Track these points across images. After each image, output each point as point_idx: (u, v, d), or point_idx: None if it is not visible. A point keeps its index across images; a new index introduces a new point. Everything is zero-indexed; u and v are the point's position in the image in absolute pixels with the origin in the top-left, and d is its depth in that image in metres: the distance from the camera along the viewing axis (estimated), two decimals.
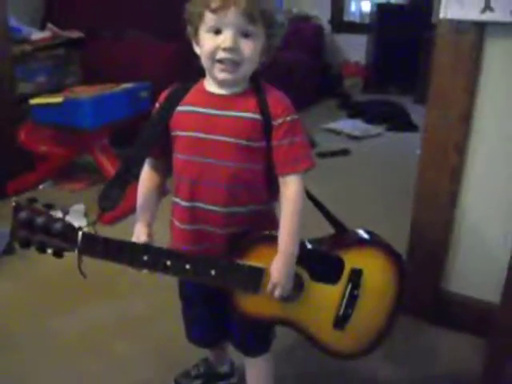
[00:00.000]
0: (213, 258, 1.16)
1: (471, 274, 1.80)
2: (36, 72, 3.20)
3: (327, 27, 5.76)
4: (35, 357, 1.70)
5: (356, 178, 3.30)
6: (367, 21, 5.76)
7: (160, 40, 3.33)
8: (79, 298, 2.00)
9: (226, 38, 1.07)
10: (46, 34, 3.28)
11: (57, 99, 2.57)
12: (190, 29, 1.15)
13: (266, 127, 1.14)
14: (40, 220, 1.09)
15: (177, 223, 1.23)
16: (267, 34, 1.12)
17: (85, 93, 2.68)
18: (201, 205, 1.17)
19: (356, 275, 1.24)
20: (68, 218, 1.13)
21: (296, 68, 4.70)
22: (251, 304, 1.21)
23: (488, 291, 1.72)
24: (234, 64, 1.09)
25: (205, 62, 1.13)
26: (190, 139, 1.16)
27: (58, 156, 2.99)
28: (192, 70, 1.20)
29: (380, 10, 5.50)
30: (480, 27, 1.55)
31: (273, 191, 1.21)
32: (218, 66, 1.10)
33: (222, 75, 1.11)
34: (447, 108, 1.65)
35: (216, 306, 1.31)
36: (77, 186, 3.03)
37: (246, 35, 1.08)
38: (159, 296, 1.94)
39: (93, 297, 2.01)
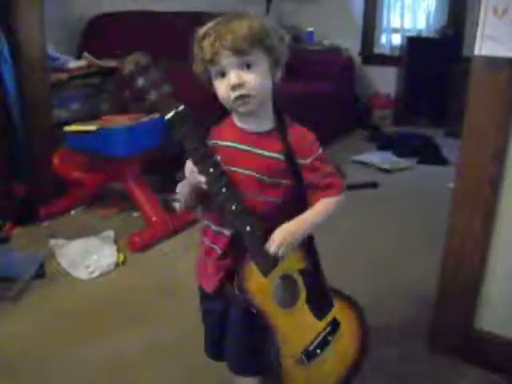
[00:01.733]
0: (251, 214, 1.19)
1: (505, 313, 1.75)
2: (71, 99, 3.27)
3: (357, 59, 5.79)
4: None
5: (385, 211, 3.26)
6: (397, 53, 5.77)
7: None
8: (108, 325, 2.00)
9: (230, 78, 1.14)
10: (82, 63, 3.35)
11: (91, 127, 2.62)
12: (205, 83, 1.21)
13: (290, 167, 1.20)
14: (141, 81, 1.17)
15: (206, 242, 1.29)
16: (268, 54, 1.15)
17: (118, 121, 2.73)
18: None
19: (335, 325, 1.34)
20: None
21: (326, 100, 4.71)
22: (255, 284, 1.21)
23: None
24: (247, 97, 1.15)
25: (225, 104, 1.19)
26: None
27: (90, 182, 3.04)
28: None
29: (410, 43, 5.51)
30: None
31: None
32: (236, 103, 1.17)
33: (242, 109, 1.18)
34: (482, 144, 1.63)
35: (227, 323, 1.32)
36: (107, 212, 3.07)
37: (247, 66, 1.14)
38: (187, 324, 1.92)
39: (122, 324, 2.01)
